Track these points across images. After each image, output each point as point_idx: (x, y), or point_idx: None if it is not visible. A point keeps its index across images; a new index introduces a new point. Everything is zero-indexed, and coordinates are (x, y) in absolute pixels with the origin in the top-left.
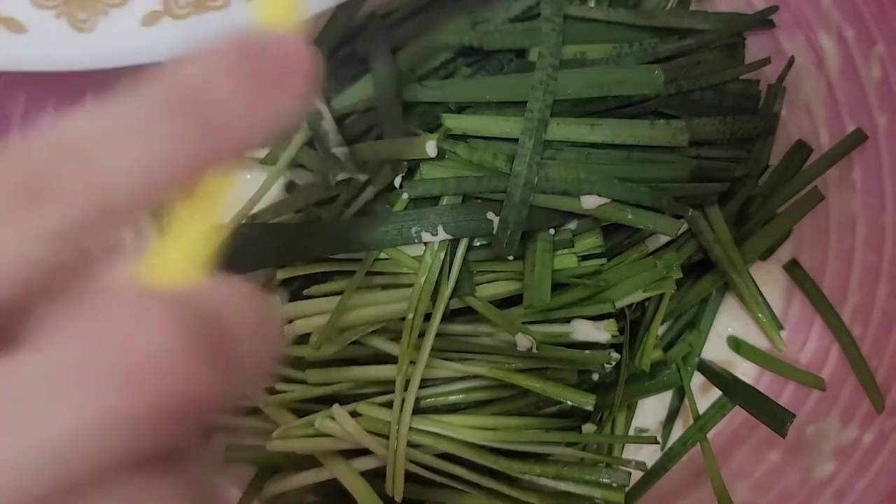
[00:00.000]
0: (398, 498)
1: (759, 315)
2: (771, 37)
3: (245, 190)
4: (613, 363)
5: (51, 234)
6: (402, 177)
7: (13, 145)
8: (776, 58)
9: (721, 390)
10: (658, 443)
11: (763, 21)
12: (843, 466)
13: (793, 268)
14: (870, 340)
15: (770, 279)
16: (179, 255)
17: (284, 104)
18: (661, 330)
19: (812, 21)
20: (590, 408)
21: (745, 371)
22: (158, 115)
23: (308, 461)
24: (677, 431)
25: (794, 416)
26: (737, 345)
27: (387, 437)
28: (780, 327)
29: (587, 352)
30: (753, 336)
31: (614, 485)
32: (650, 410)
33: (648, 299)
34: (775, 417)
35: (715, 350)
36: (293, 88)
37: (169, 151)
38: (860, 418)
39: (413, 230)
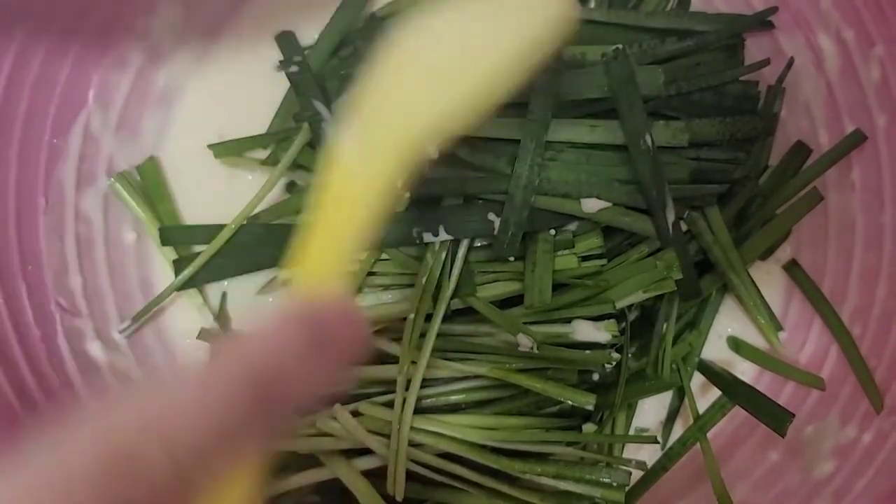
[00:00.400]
0: (399, 497)
1: (758, 317)
2: (770, 38)
3: (247, 191)
4: (614, 363)
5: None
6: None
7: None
8: (776, 59)
9: (721, 390)
10: (658, 442)
11: (762, 22)
12: (843, 465)
13: (792, 268)
14: (869, 340)
15: (770, 279)
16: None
17: (342, 371)
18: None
19: (812, 22)
20: (590, 407)
21: (745, 371)
22: (236, 394)
23: (309, 461)
24: (677, 431)
25: (793, 415)
26: (736, 345)
27: (388, 436)
28: (779, 328)
29: (588, 352)
30: (753, 336)
31: (615, 484)
32: (650, 410)
33: (653, 303)
34: (775, 417)
35: (715, 350)
36: (351, 356)
37: (236, 424)
38: (859, 418)
39: (414, 230)
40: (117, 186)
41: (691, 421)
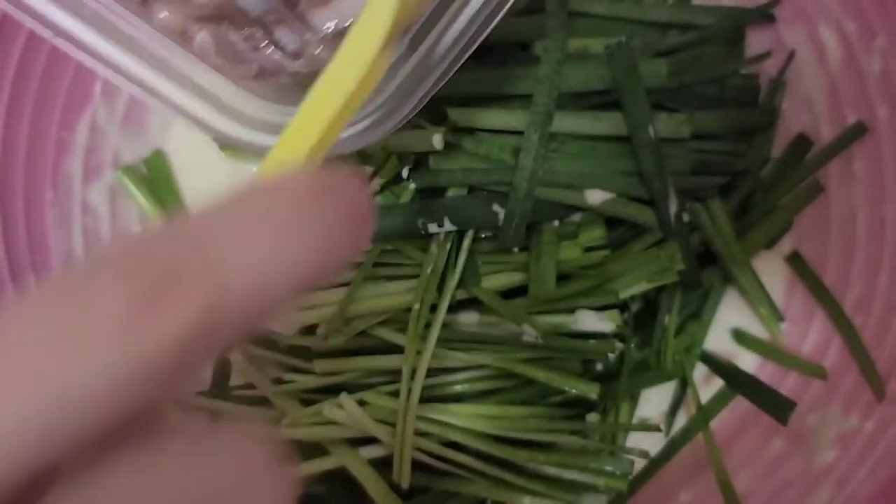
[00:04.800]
0: (405, 485)
1: (760, 308)
2: (772, 30)
3: None
4: (617, 353)
5: (162, 354)
6: (410, 169)
7: (130, 240)
8: (777, 51)
9: (723, 380)
10: (661, 431)
11: (764, 15)
12: (845, 454)
13: (794, 259)
14: (871, 330)
15: (772, 270)
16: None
17: (356, 241)
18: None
19: (813, 14)
20: (594, 397)
21: (748, 362)
22: (291, 212)
23: (315, 450)
24: (680, 421)
25: (795, 404)
26: (739, 336)
27: (394, 425)
28: (781, 320)
29: (591, 342)
30: (756, 327)
31: (618, 473)
32: (654, 400)
33: (656, 294)
34: (777, 406)
35: (717, 341)
36: (361, 230)
37: (297, 255)
38: (861, 407)
39: (419, 221)
40: (124, 179)
41: (694, 411)
